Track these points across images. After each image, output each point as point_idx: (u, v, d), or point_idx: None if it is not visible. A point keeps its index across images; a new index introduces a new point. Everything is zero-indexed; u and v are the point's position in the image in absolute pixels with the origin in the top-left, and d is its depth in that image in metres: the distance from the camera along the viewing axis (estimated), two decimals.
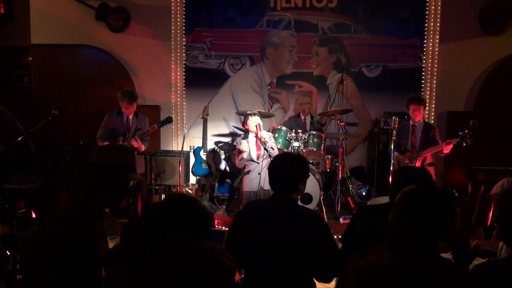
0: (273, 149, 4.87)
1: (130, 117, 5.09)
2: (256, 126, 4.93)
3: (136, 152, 4.99)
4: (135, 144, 4.86)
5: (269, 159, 4.85)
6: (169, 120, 5.04)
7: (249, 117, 4.98)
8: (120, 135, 5.03)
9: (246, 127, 5.11)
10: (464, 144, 4.86)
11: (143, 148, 5.01)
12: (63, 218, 2.09)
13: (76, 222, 2.04)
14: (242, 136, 5.20)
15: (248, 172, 4.95)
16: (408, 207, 1.68)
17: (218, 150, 6.31)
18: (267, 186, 4.63)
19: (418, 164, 5.06)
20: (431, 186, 1.86)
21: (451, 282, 1.62)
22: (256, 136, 4.96)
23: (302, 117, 5.93)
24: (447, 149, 4.97)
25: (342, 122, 5.54)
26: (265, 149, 4.87)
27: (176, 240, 1.86)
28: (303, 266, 2.34)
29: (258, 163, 4.90)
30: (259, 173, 4.86)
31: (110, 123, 5.09)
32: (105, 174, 2.19)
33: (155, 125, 4.99)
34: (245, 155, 5.01)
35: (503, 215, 1.80)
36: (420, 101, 5.21)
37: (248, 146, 5.01)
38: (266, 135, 4.89)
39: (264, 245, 2.31)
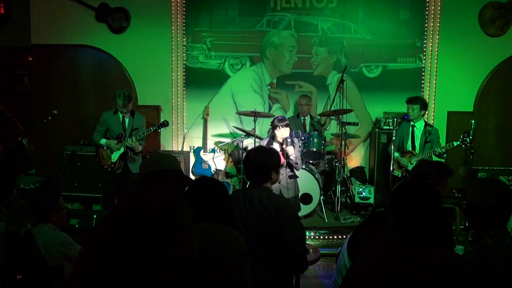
0: (297, 164, 4.68)
1: (126, 116, 5.08)
2: (283, 139, 4.63)
3: (132, 153, 5.00)
4: (130, 144, 4.87)
5: (286, 169, 4.64)
6: (165, 124, 5.00)
7: (280, 127, 4.60)
8: (116, 135, 5.03)
9: (273, 132, 4.77)
10: (464, 147, 4.86)
11: (139, 149, 5.01)
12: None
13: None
14: (266, 141, 4.86)
15: None
16: (390, 201, 1.80)
17: (218, 150, 6.32)
18: (287, 194, 4.54)
19: None
20: (415, 182, 1.93)
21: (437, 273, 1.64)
22: (281, 146, 4.67)
23: (302, 118, 5.93)
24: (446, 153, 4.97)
25: (342, 122, 5.54)
26: (288, 162, 4.71)
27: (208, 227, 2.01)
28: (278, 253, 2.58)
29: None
30: (279, 182, 4.66)
31: (106, 123, 5.09)
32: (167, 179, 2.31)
33: (151, 127, 4.98)
34: None
35: (469, 199, 1.94)
36: (415, 101, 5.16)
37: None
38: (292, 151, 4.65)
39: (244, 231, 2.55)
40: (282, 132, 4.59)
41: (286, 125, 4.63)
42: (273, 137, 4.78)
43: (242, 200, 2.66)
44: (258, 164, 2.73)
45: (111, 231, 2.06)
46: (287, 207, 2.66)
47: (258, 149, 3.00)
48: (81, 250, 2.24)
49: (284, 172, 4.59)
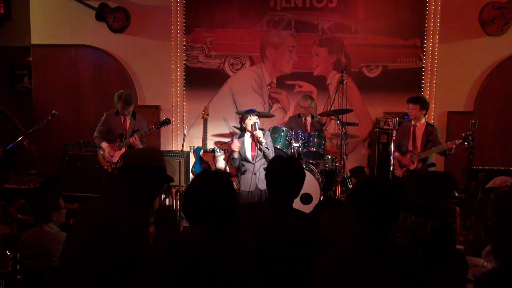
0: (268, 149, 4.79)
1: (127, 118, 5.08)
2: (251, 125, 4.79)
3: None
4: (132, 142, 4.87)
5: (263, 159, 4.77)
6: (167, 122, 5.01)
7: (248, 116, 4.84)
8: (117, 136, 5.04)
9: (244, 126, 5.00)
10: (466, 145, 4.85)
11: (140, 147, 5.01)
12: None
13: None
14: (238, 135, 5.11)
15: (244, 172, 4.94)
16: (351, 200, 1.85)
17: (218, 150, 6.32)
18: (262, 186, 4.64)
19: (419, 165, 5.05)
20: (375, 180, 1.95)
21: (403, 266, 1.70)
22: (252, 135, 4.86)
23: (303, 117, 5.93)
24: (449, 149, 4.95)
25: (342, 122, 5.54)
26: (259, 149, 4.79)
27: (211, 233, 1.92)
28: (301, 270, 2.35)
29: (253, 163, 4.85)
30: (254, 174, 4.80)
31: (107, 123, 5.09)
32: (144, 173, 2.23)
33: (153, 126, 4.98)
34: (235, 155, 4.95)
35: (494, 220, 1.82)
36: (415, 101, 5.17)
37: (238, 145, 4.91)
38: (261, 134, 4.78)
39: (264, 248, 2.29)
40: (253, 120, 4.76)
41: (256, 115, 4.83)
42: (242, 131, 4.99)
43: (266, 217, 2.39)
44: (291, 179, 2.42)
45: (100, 231, 2.04)
46: (318, 233, 2.45)
47: (285, 160, 2.60)
48: (68, 249, 2.20)
49: (259, 164, 4.69)
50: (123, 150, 4.96)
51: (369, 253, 1.71)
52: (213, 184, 1.97)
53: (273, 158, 2.75)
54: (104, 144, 5.02)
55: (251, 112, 4.84)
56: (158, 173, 2.29)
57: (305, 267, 2.31)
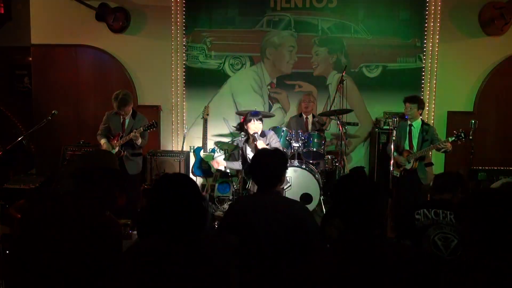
0: None
1: (127, 117, 5.12)
2: (252, 134, 4.70)
3: (126, 153, 5.03)
4: (132, 136, 4.91)
5: None
6: (154, 125, 5.00)
7: (252, 120, 4.70)
8: (115, 135, 5.10)
9: (246, 128, 4.88)
10: (459, 143, 4.85)
11: (139, 141, 5.01)
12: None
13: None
14: (244, 139, 5.00)
15: None
16: (334, 195, 1.86)
17: (218, 150, 6.31)
18: None
19: (415, 164, 5.04)
20: (351, 174, 1.99)
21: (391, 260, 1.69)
22: (253, 141, 4.78)
23: (304, 117, 5.93)
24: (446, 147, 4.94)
25: (342, 122, 5.54)
26: None
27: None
28: (293, 257, 2.42)
29: None
30: None
31: (108, 122, 5.16)
32: (95, 177, 2.19)
33: (141, 127, 4.98)
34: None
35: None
36: (413, 100, 5.17)
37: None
38: (261, 145, 4.64)
39: (258, 236, 2.38)
40: (256, 125, 4.66)
41: (260, 119, 4.71)
42: (242, 131, 4.95)
43: (257, 206, 2.49)
44: (270, 167, 2.55)
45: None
46: (310, 216, 2.55)
47: (266, 152, 2.94)
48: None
49: None
50: (116, 149, 5.02)
51: (353, 253, 1.70)
52: (177, 190, 1.86)
53: (258, 151, 2.89)
54: (102, 141, 5.12)
55: (256, 116, 4.71)
56: (116, 176, 2.26)
57: (301, 252, 2.39)
